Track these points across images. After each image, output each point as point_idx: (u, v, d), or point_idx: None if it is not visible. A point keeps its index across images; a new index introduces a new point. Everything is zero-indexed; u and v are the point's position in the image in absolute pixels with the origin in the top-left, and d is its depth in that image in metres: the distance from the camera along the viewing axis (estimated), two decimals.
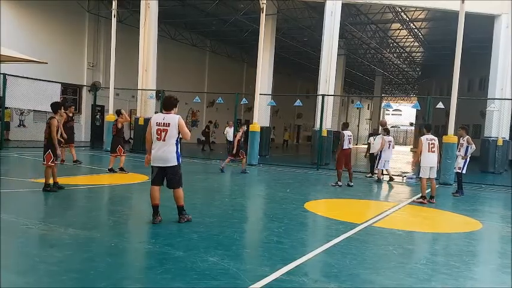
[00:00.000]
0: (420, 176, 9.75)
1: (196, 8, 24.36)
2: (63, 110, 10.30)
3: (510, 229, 7.28)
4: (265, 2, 15.98)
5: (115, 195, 8.77)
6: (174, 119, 5.98)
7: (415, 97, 54.59)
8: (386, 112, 70.94)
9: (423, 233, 6.77)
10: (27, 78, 16.83)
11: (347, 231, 6.28)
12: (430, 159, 9.56)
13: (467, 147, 10.89)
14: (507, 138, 19.02)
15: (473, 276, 4.74)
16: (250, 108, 25.34)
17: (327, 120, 17.06)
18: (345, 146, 11.73)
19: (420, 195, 9.70)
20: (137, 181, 10.53)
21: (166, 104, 6.15)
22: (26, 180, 9.30)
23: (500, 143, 18.16)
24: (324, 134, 16.74)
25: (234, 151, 13.56)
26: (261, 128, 17.65)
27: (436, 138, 9.71)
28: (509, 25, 17.26)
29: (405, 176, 14.69)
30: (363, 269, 4.64)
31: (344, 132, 11.79)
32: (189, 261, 4.45)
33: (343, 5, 17.94)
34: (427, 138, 9.59)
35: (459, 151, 11.01)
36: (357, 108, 55.30)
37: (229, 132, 19.10)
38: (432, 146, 9.54)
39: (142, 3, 19.13)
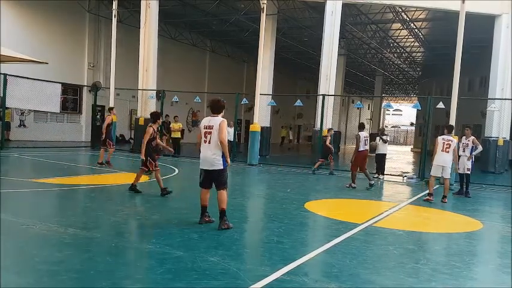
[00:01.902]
0: (431, 173, 9.89)
1: (196, 7, 24.35)
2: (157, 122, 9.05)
3: (510, 229, 7.28)
4: (265, 2, 15.97)
5: (115, 195, 8.76)
6: (217, 121, 5.91)
7: (416, 97, 54.48)
8: (387, 112, 70.90)
9: (424, 233, 6.77)
10: (28, 78, 16.83)
11: (347, 231, 6.27)
12: (442, 159, 9.64)
13: (472, 147, 10.88)
14: (507, 138, 19.00)
15: (474, 276, 4.73)
16: (250, 108, 25.35)
17: (327, 120, 17.05)
18: (361, 148, 11.50)
19: (427, 192, 9.92)
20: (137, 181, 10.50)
21: (213, 106, 6.07)
22: (27, 181, 9.30)
23: (500, 143, 18.14)
24: (325, 133, 16.72)
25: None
26: (261, 128, 17.63)
27: (453, 139, 9.78)
28: (509, 25, 17.25)
29: (405, 176, 14.68)
30: (363, 269, 4.64)
31: (360, 133, 11.57)
32: (190, 261, 4.45)
33: (344, 5, 17.93)
34: (443, 138, 9.73)
35: (463, 151, 10.93)
36: (357, 108, 55.18)
37: (230, 132, 19.07)
38: (447, 146, 9.61)
39: (143, 3, 19.13)
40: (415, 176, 14.64)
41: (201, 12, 25.08)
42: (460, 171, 11.07)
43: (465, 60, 14.14)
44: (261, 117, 18.14)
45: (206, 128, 5.97)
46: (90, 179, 10.91)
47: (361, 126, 12.11)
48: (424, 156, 14.53)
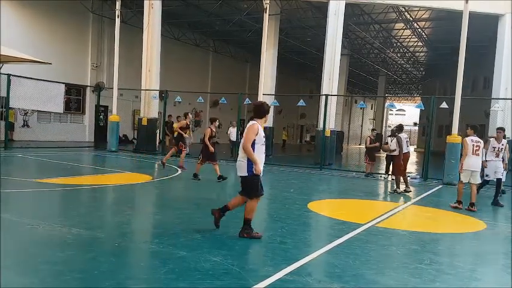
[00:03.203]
0: (461, 179, 9.05)
1: (199, 8, 24.38)
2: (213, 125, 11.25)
3: (511, 229, 7.26)
4: (268, 2, 15.97)
5: (118, 195, 8.79)
6: (248, 125, 5.60)
7: (419, 97, 54.42)
8: (390, 112, 70.71)
9: (427, 233, 6.74)
10: (31, 78, 16.88)
11: (350, 231, 6.26)
12: (473, 163, 8.84)
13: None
14: (511, 138, 18.90)
15: (478, 277, 4.71)
16: None
17: (330, 120, 17.02)
18: (405, 150, 11.27)
19: (456, 200, 9.07)
20: (140, 181, 10.54)
21: (253, 109, 5.78)
22: (30, 181, 9.33)
23: None
24: (327, 134, 16.71)
25: None
26: (264, 128, 17.61)
27: (481, 140, 9.07)
28: None
29: (409, 176, 14.63)
30: (366, 269, 4.63)
31: (401, 135, 11.38)
32: (193, 261, 4.45)
33: (347, 5, 17.90)
34: (473, 140, 8.91)
35: (496, 156, 9.90)
36: (360, 108, 55.15)
37: (233, 132, 19.10)
38: (477, 148, 8.88)
39: (146, 4, 19.16)
40: (418, 176, 14.60)
41: (204, 12, 25.11)
42: (488, 178, 10.14)
43: (469, 60, 14.10)
44: None
45: (243, 132, 5.74)
46: (94, 179, 10.94)
47: (400, 128, 11.86)
48: (427, 156, 14.48)
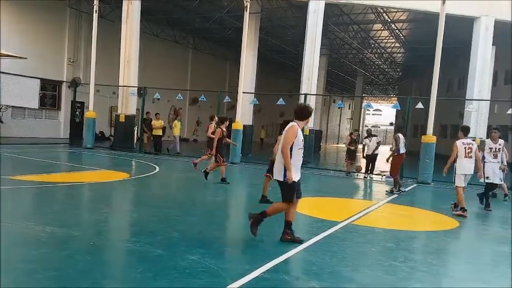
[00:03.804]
0: (456, 184, 8.54)
1: (179, 5, 24.16)
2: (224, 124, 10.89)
3: (486, 227, 7.46)
4: (249, 0, 15.96)
5: (94, 193, 8.65)
6: (287, 127, 5.40)
7: (395, 97, 55.32)
8: (367, 112, 71.68)
9: (401, 231, 6.87)
10: (6, 73, 16.47)
11: (327, 229, 6.33)
12: (466, 166, 8.42)
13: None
14: (484, 138, 19.40)
15: (451, 274, 4.83)
16: (233, 107, 25.29)
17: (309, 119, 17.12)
18: (402, 150, 11.31)
19: (459, 207, 8.43)
20: (117, 179, 10.41)
21: (295, 111, 5.57)
22: (4, 177, 9.08)
23: (477, 142, 18.44)
24: (306, 132, 16.82)
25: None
26: (244, 126, 17.64)
27: (473, 142, 8.62)
28: (488, 27, 17.61)
29: (384, 175, 14.86)
30: (343, 267, 4.69)
31: (399, 135, 11.39)
32: (170, 260, 4.43)
33: (327, 5, 18.04)
34: (464, 143, 8.47)
35: (494, 157, 9.58)
36: (339, 107, 55.72)
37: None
38: (469, 151, 8.41)
39: None
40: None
41: (184, 9, 24.91)
42: (489, 180, 9.63)
43: (444, 62, 14.39)
44: (244, 115, 18.12)
45: (280, 135, 5.53)
46: (69, 176, 10.74)
47: (399, 129, 11.98)
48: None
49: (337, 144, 57.93)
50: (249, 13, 16.47)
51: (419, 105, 14.94)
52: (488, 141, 9.74)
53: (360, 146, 15.16)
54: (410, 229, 7.16)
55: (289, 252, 5.01)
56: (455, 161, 8.54)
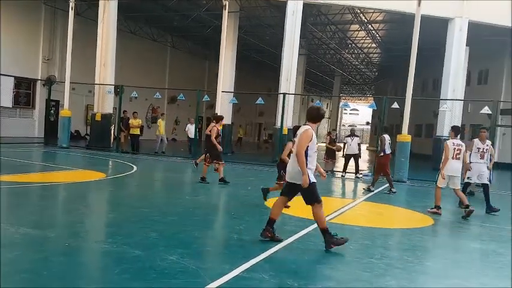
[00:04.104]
0: (437, 184, 8.49)
1: (157, 2, 23.92)
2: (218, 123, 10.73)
3: (460, 224, 7.64)
4: None
5: (70, 193, 8.49)
6: (301, 130, 5.31)
7: (372, 97, 56.13)
8: (344, 111, 72.47)
9: (378, 228, 6.98)
10: None
11: (306, 227, 6.38)
12: (453, 167, 8.26)
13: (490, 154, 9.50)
14: (458, 137, 19.84)
15: (426, 271, 4.93)
16: (212, 106, 25.20)
17: (287, 118, 17.23)
18: (388, 151, 11.35)
19: (434, 205, 8.46)
20: (93, 179, 10.25)
21: (308, 113, 5.53)
22: None
23: None
24: (285, 132, 16.90)
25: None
26: (223, 125, 17.58)
27: (463, 143, 8.43)
28: (462, 28, 18.03)
29: (361, 173, 15.06)
30: (321, 265, 4.75)
31: (385, 136, 11.42)
32: (148, 260, 4.38)
33: (305, 5, 18.16)
34: (454, 143, 8.31)
35: (481, 158, 9.30)
36: None
37: (191, 129, 18.93)
38: (458, 152, 8.27)
39: None
40: (370, 174, 15.05)
41: (162, 7, 24.67)
42: (469, 181, 9.60)
43: (419, 62, 14.67)
44: (223, 114, 18.03)
45: (295, 137, 5.43)
46: (44, 176, 10.51)
47: (386, 129, 12.05)
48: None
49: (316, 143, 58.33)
50: (228, 12, 16.47)
51: (395, 105, 15.20)
52: (476, 141, 9.43)
53: (341, 145, 15.33)
54: (387, 227, 7.28)
55: (269, 251, 5.03)
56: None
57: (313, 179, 5.25)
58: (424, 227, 7.35)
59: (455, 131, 8.57)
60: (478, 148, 9.34)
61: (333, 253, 5.26)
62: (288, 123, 17.50)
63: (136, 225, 5.88)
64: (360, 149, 14.65)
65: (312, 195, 5.31)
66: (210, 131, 10.37)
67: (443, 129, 19.02)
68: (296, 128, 5.74)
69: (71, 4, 17.88)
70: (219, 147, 10.36)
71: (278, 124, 17.13)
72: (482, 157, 9.29)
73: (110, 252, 4.66)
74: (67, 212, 6.73)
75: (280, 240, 5.45)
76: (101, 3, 18.61)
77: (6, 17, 20.79)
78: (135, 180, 11.03)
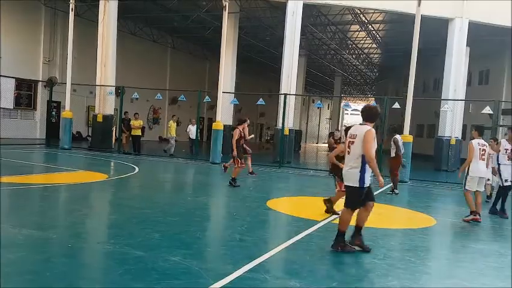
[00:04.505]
0: (466, 188, 7.87)
1: (157, 3, 23.94)
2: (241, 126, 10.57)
3: (462, 225, 7.63)
4: (227, 0, 15.94)
5: (72, 195, 8.50)
6: (363, 130, 5.13)
7: (373, 97, 56.09)
8: (345, 112, 72.44)
9: (380, 229, 6.97)
10: None
11: (308, 228, 6.38)
12: (480, 169, 7.83)
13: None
14: (459, 137, 19.87)
15: (428, 271, 4.93)
16: (213, 106, 25.22)
17: (288, 119, 17.23)
18: (403, 151, 11.28)
19: (469, 212, 7.84)
20: (95, 180, 10.25)
21: (364, 112, 5.32)
22: None
23: (453, 142, 18.94)
24: (286, 132, 16.90)
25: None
26: (224, 126, 17.60)
27: (486, 143, 8.08)
28: (462, 28, 18.03)
29: None
30: (323, 265, 4.74)
31: (397, 136, 11.34)
32: (150, 261, 4.38)
33: (305, 6, 18.16)
34: (479, 143, 7.88)
35: (509, 158, 8.72)
36: (318, 107, 56.18)
37: (192, 130, 18.96)
38: (483, 153, 7.87)
39: None
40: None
41: (162, 8, 24.69)
42: (508, 184, 8.76)
43: (420, 62, 14.66)
44: (224, 115, 18.09)
45: (350, 138, 5.26)
46: (46, 177, 10.53)
47: (396, 129, 11.96)
48: (380, 155, 14.93)
49: (317, 143, 58.41)
50: (228, 13, 16.45)
51: (396, 105, 15.19)
52: (504, 142, 8.89)
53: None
54: (389, 227, 7.28)
55: (271, 252, 5.03)
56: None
57: (367, 183, 5.14)
58: (426, 228, 7.34)
59: (479, 130, 8.13)
60: (506, 149, 8.80)
61: (335, 253, 5.25)
62: (290, 123, 17.51)
63: (139, 226, 5.88)
64: None
65: (353, 199, 5.18)
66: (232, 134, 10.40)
67: (445, 129, 19.02)
68: (347, 129, 5.60)
69: (71, 5, 17.88)
70: (235, 152, 10.21)
71: (279, 125, 17.12)
72: (510, 158, 8.73)
73: (112, 253, 4.67)
74: (69, 213, 6.74)
75: (368, 250, 5.27)
76: (101, 4, 18.63)
77: (7, 19, 20.82)
78: (137, 181, 11.04)
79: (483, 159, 7.88)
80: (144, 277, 3.96)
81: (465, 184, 7.90)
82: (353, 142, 5.19)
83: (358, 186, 5.08)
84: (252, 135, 12.58)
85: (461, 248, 6.23)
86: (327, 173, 14.13)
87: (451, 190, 12.72)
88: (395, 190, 11.06)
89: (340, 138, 15.00)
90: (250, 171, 12.23)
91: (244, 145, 10.80)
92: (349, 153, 5.25)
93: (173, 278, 3.98)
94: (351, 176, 5.14)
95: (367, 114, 5.28)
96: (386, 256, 5.27)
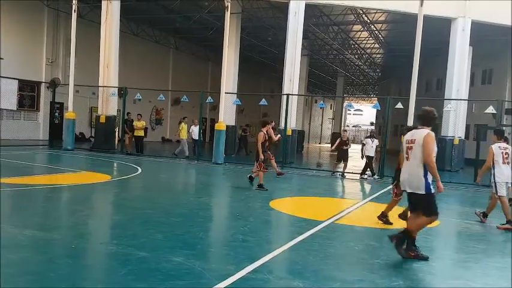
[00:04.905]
0: (499, 194, 7.56)
1: (159, 4, 23.98)
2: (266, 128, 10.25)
3: (466, 225, 7.60)
4: (229, 0, 15.95)
5: (75, 195, 8.52)
6: (421, 134, 5.00)
7: (375, 97, 56.00)
8: (348, 112, 72.40)
9: (384, 229, 6.95)
10: None
11: (311, 228, 6.37)
12: (505, 173, 7.59)
13: None
14: (463, 137, 19.81)
15: (432, 271, 4.91)
16: (215, 107, 25.23)
17: (291, 119, 17.22)
18: None
19: (506, 220, 7.46)
20: (98, 181, 10.27)
21: (421, 116, 5.19)
22: None
23: (456, 142, 18.90)
24: (289, 133, 16.89)
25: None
26: (227, 126, 17.60)
27: (509, 146, 7.80)
28: (464, 28, 17.98)
29: (366, 174, 15.02)
30: (326, 265, 4.73)
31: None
32: (154, 262, 4.39)
33: (307, 6, 18.15)
34: (500, 147, 7.67)
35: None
36: (320, 107, 56.12)
37: (195, 130, 18.97)
38: (506, 156, 7.66)
39: None
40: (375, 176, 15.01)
41: (164, 9, 24.73)
42: None
43: (423, 62, 14.63)
44: (226, 116, 18.10)
45: (408, 143, 5.13)
46: (49, 178, 10.55)
47: (408, 129, 11.90)
48: (383, 155, 14.92)
49: (320, 143, 58.34)
50: (230, 13, 16.46)
51: (399, 105, 15.15)
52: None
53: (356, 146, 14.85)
54: (393, 227, 7.25)
55: (274, 252, 5.03)
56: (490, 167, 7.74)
57: (441, 190, 5.02)
58: (430, 228, 7.30)
59: (499, 134, 7.89)
60: None
61: (337, 254, 5.25)
62: (292, 124, 17.50)
63: (142, 227, 5.88)
64: (376, 151, 14.31)
65: (432, 206, 5.01)
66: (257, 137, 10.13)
67: (448, 129, 18.98)
68: (408, 130, 5.47)
69: (74, 6, 17.93)
70: (261, 155, 9.93)
71: (282, 125, 17.11)
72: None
73: (116, 254, 4.67)
74: (72, 214, 6.75)
75: (426, 259, 5.13)
76: (103, 5, 18.67)
77: (10, 20, 20.89)
78: (140, 182, 11.05)
79: (507, 163, 7.63)
80: (147, 278, 3.96)
81: (497, 191, 7.60)
82: (411, 147, 5.06)
83: (425, 193, 4.95)
84: (279, 136, 12.39)
85: (465, 248, 6.20)
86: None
87: (455, 190, 12.68)
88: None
89: (348, 139, 14.89)
90: (278, 172, 11.62)
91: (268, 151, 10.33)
92: (407, 159, 5.12)
93: (176, 279, 3.98)
94: (415, 183, 4.99)
95: (425, 118, 5.15)
96: (390, 256, 5.25)
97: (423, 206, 5.03)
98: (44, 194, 8.37)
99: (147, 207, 7.48)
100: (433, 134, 5.00)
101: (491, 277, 4.80)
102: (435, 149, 4.98)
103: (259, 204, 8.31)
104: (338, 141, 14.89)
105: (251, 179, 10.56)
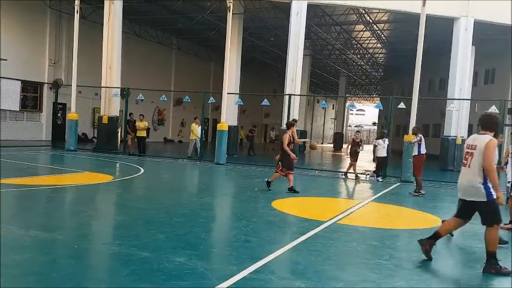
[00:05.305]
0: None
1: (161, 5, 24.01)
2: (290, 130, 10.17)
3: (469, 225, 7.56)
4: (231, 1, 15.96)
5: (78, 196, 8.54)
6: (483, 140, 4.80)
7: (378, 97, 55.92)
8: (350, 112, 72.30)
9: (386, 229, 6.95)
10: None
11: (313, 228, 6.36)
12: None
13: None
14: (465, 137, 19.74)
15: (434, 271, 4.90)
16: (217, 107, 25.25)
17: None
18: (423, 151, 11.16)
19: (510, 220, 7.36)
20: (101, 181, 10.29)
21: (482, 120, 5.01)
22: None
23: (459, 141, 18.85)
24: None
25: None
26: (229, 127, 17.62)
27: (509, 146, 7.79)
28: (467, 28, 17.93)
29: (368, 174, 15.01)
30: (328, 266, 4.72)
31: (420, 136, 11.26)
32: (156, 262, 4.39)
33: (309, 6, 18.14)
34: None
35: None
36: (322, 108, 56.08)
37: (198, 130, 18.98)
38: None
39: None
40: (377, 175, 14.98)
41: (167, 9, 24.77)
42: None
43: (425, 62, 14.59)
44: (229, 116, 18.10)
45: (468, 148, 4.94)
46: (52, 179, 10.57)
47: (418, 129, 11.85)
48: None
49: (322, 143, 58.30)
50: (232, 14, 16.46)
51: (402, 105, 15.13)
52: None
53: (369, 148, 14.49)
54: (395, 227, 7.24)
55: (276, 252, 5.02)
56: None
57: (494, 193, 4.77)
58: (433, 228, 7.29)
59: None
60: None
61: (340, 254, 5.24)
62: None
63: (144, 227, 5.89)
64: (388, 152, 14.25)
65: (494, 214, 4.80)
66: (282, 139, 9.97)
67: (451, 129, 18.94)
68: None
69: (76, 7, 17.97)
70: (292, 155, 9.88)
71: (284, 125, 17.10)
72: None
73: (118, 254, 4.68)
74: (75, 214, 6.76)
75: (509, 273, 4.87)
76: (106, 6, 18.72)
77: (12, 21, 20.97)
78: (142, 182, 11.06)
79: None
80: (150, 278, 3.97)
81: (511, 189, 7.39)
82: (472, 154, 4.88)
83: (486, 200, 4.76)
84: (307, 140, 12.08)
85: (467, 248, 6.19)
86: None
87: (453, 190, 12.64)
88: (421, 191, 10.89)
89: (361, 140, 14.75)
90: (291, 186, 10.51)
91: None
92: (466, 165, 4.95)
93: (178, 279, 3.98)
94: (475, 191, 4.81)
95: (487, 123, 4.98)
96: (392, 257, 5.24)
97: (486, 214, 4.82)
98: (47, 194, 8.39)
99: (150, 207, 7.49)
100: (495, 140, 4.85)
101: (494, 277, 4.78)
102: (496, 156, 4.84)
103: (262, 204, 8.31)
104: (351, 142, 14.62)
105: (269, 184, 10.19)
